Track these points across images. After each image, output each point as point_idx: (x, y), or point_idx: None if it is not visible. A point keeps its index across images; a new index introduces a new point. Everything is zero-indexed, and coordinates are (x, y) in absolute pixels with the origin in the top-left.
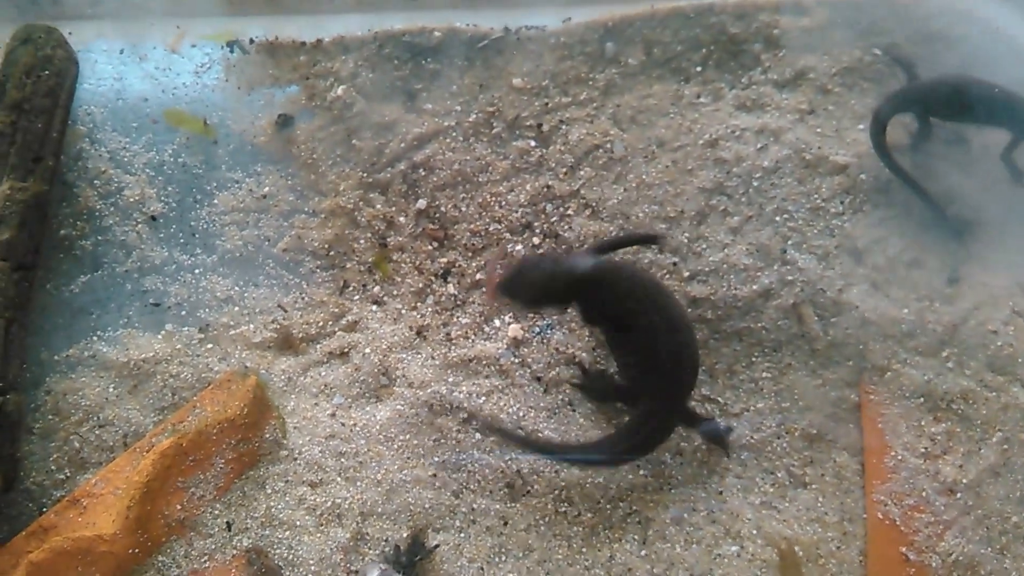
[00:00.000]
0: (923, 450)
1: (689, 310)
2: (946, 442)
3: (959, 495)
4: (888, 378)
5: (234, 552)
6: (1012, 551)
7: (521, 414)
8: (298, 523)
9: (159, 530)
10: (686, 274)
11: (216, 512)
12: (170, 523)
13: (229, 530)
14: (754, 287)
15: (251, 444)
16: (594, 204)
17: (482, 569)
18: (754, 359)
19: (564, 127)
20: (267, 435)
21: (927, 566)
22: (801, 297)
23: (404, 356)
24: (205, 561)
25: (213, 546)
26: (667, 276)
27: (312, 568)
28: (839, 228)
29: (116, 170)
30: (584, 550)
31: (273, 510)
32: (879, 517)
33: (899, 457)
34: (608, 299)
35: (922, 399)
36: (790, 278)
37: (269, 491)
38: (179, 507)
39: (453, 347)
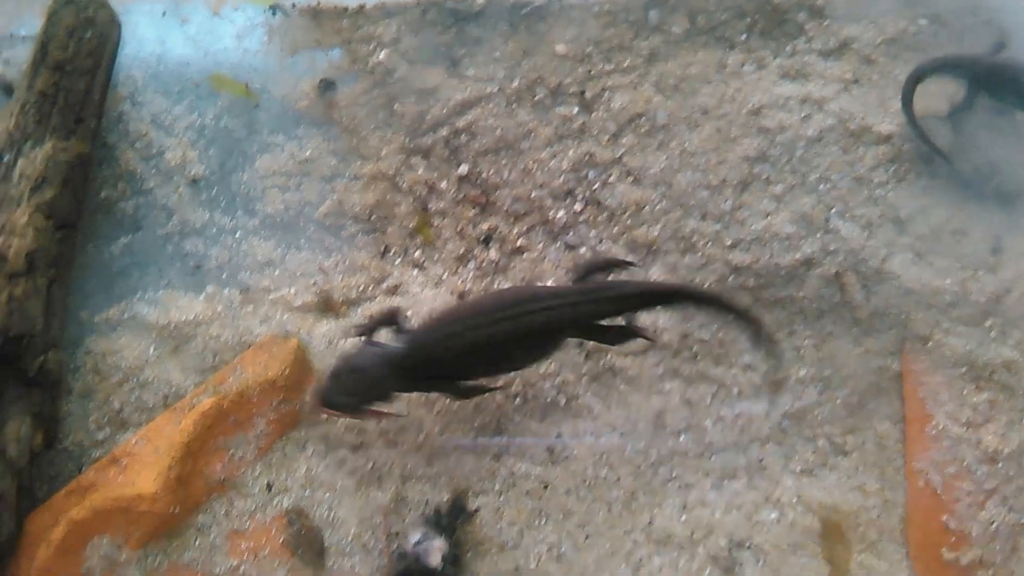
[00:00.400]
0: (965, 419)
1: (731, 278)
2: (988, 411)
3: (1001, 464)
4: (930, 347)
5: (274, 513)
6: None
7: (562, 379)
8: (338, 485)
9: (200, 490)
10: (728, 242)
11: (257, 473)
12: (211, 483)
13: (269, 491)
14: (796, 255)
15: (292, 406)
16: (636, 172)
17: (522, 532)
18: (796, 328)
19: (607, 94)
20: (308, 397)
21: (968, 534)
22: (844, 266)
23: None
24: (245, 521)
25: (253, 506)
26: (709, 244)
27: (352, 530)
28: (882, 198)
29: (157, 133)
30: (624, 514)
31: (313, 472)
32: (920, 486)
33: (941, 426)
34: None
35: (964, 369)
36: (833, 247)
37: (310, 452)
38: (220, 467)
39: None
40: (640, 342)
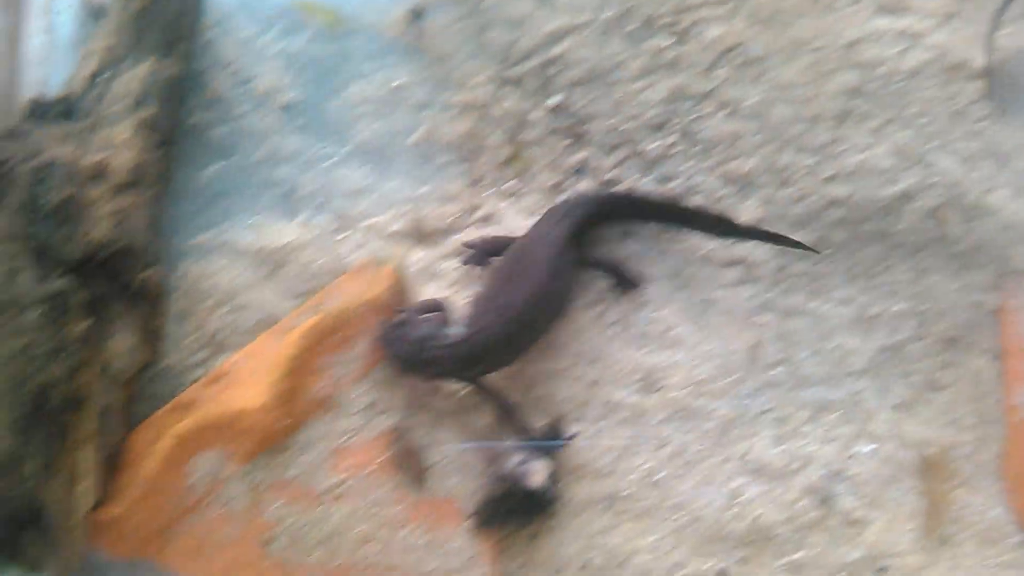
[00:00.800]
0: None
1: (828, 212)
2: None
3: None
4: None
5: (376, 432)
6: None
7: (651, 309)
8: (439, 406)
9: (303, 407)
10: (824, 175)
11: (360, 392)
12: (314, 400)
13: (371, 410)
14: (894, 189)
15: None
16: (731, 104)
17: (618, 459)
18: (892, 261)
19: (700, 26)
20: (374, 331)
21: None
22: (942, 200)
23: None
24: (349, 439)
25: (356, 425)
26: (805, 177)
27: (453, 451)
28: (982, 132)
29: (247, 59)
30: (719, 444)
31: (414, 392)
32: (1018, 421)
33: None
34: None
35: None
36: (931, 181)
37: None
38: (323, 385)
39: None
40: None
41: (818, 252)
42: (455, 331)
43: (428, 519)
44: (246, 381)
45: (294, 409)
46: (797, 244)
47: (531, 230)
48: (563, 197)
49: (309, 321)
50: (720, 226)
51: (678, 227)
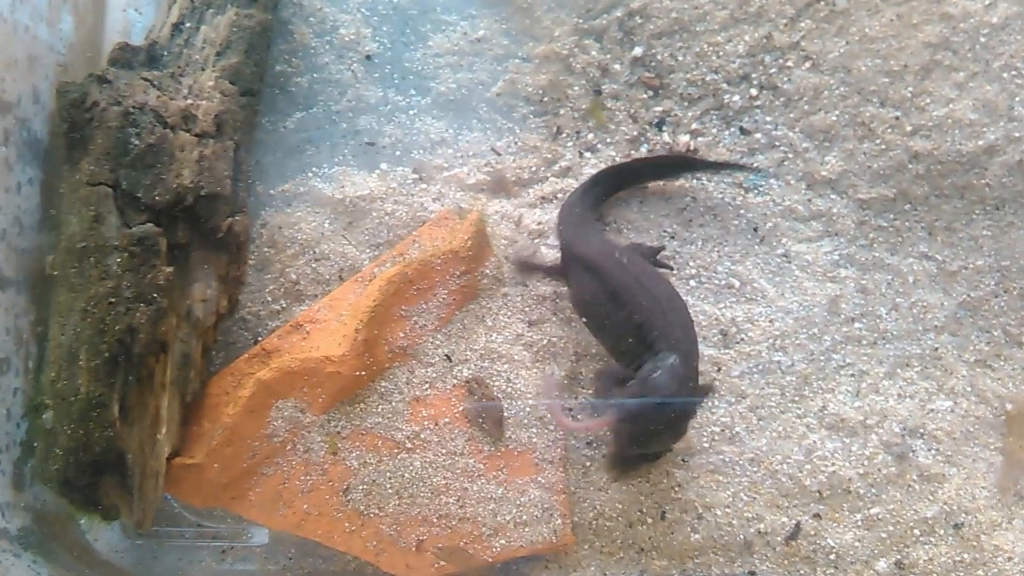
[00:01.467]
0: None
1: (910, 166)
2: None
3: None
4: None
5: (455, 382)
6: None
7: (730, 262)
8: (516, 357)
9: (383, 356)
10: (908, 128)
11: (437, 342)
12: (394, 349)
13: (450, 361)
14: (979, 143)
15: (472, 278)
16: (814, 57)
17: (697, 408)
18: (975, 216)
19: None
20: (487, 271)
21: None
22: None
23: (617, 204)
24: (427, 389)
25: (434, 375)
26: (888, 130)
27: (529, 401)
28: None
29: (331, 8)
30: (796, 398)
31: (491, 344)
32: None
33: None
34: None
35: None
36: (1017, 135)
37: (489, 324)
38: (402, 335)
39: (667, 195)
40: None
41: (760, 169)
42: (660, 358)
43: (504, 470)
44: (327, 330)
45: (375, 358)
46: (746, 168)
47: (602, 262)
48: (643, 149)
49: (392, 270)
50: (684, 165)
51: (659, 178)
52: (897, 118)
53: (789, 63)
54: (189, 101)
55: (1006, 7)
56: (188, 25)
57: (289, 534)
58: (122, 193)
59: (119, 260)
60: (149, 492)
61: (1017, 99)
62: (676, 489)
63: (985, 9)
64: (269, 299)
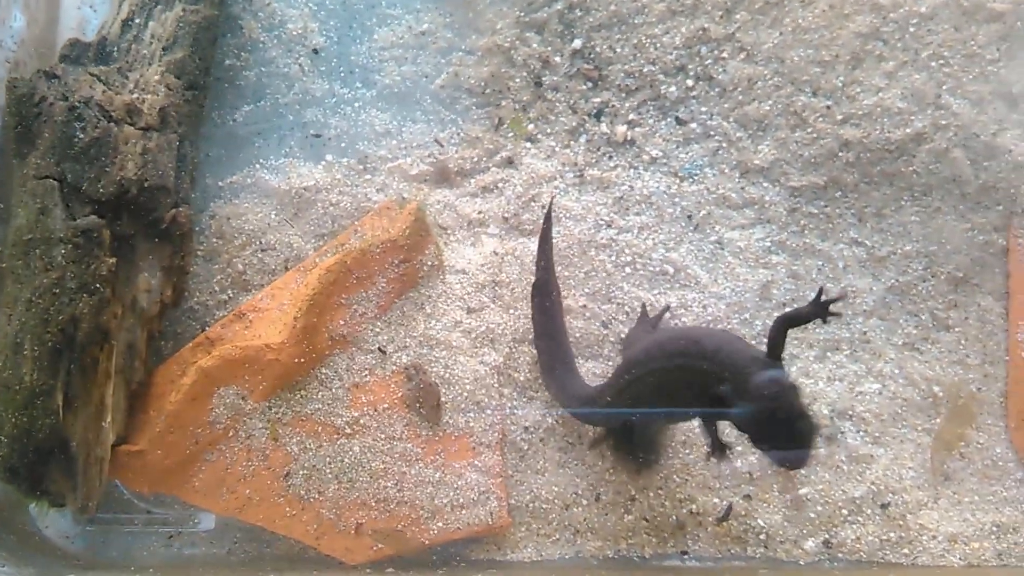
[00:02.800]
0: None
1: (840, 153)
2: None
3: None
4: None
5: (393, 368)
6: None
7: (665, 249)
8: (454, 344)
9: (323, 343)
10: (839, 117)
11: (377, 329)
12: (333, 337)
13: (384, 351)
14: (907, 131)
15: (411, 266)
16: (749, 48)
17: None
18: (903, 203)
19: None
20: (427, 259)
21: None
22: (954, 141)
23: (556, 192)
24: (366, 375)
25: (373, 361)
26: (820, 119)
27: (467, 387)
28: (994, 74)
29: (279, 3)
30: None
31: (431, 331)
32: (1022, 359)
33: None
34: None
35: None
36: (943, 122)
37: (428, 311)
38: (342, 322)
39: (605, 184)
40: None
41: None
42: (756, 376)
43: (441, 455)
44: (269, 318)
45: (314, 345)
46: None
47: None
48: (583, 139)
49: (331, 259)
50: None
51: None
52: (828, 107)
53: (724, 54)
54: (135, 95)
55: None
56: (137, 21)
57: (235, 519)
58: (67, 186)
59: (63, 252)
60: (93, 478)
61: (944, 87)
62: (610, 472)
63: None
64: (216, 289)
